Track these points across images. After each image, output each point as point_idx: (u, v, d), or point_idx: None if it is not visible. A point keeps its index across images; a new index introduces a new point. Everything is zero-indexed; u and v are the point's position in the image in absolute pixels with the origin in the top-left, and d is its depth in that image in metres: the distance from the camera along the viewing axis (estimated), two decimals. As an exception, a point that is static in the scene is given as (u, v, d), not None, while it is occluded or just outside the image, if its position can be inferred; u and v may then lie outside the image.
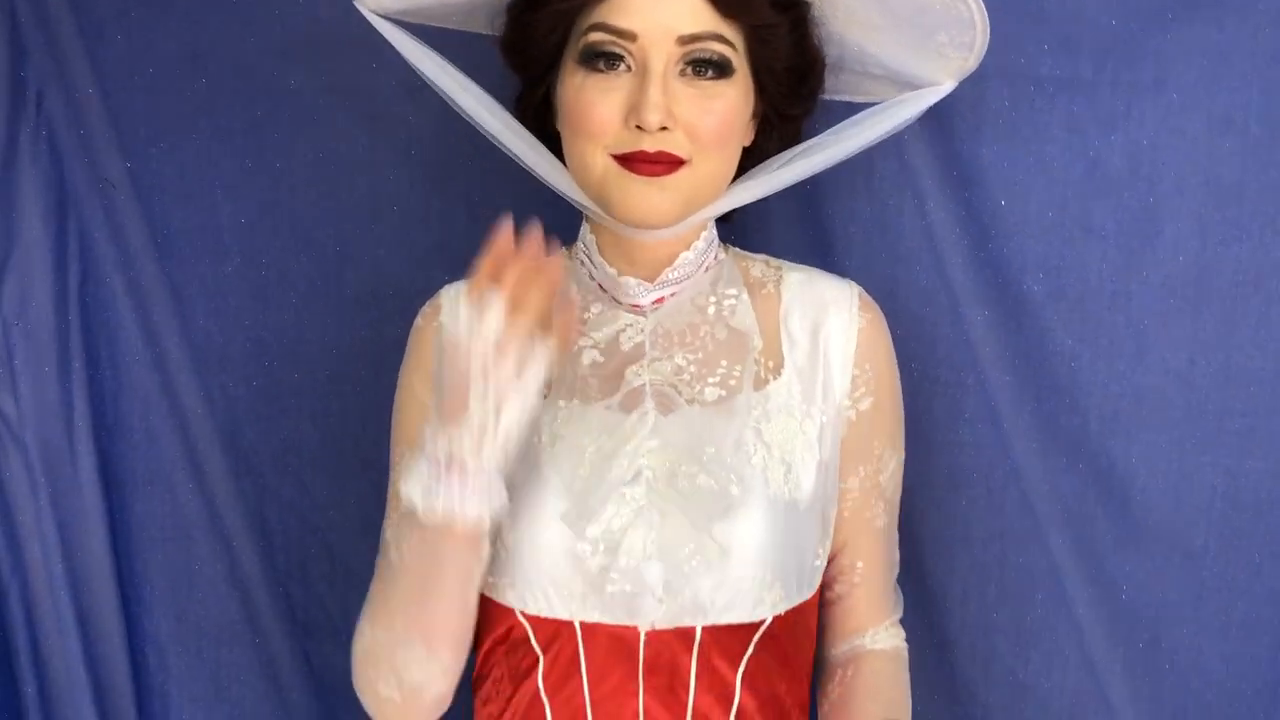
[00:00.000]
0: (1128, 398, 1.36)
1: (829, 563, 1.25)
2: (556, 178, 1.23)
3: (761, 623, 1.16)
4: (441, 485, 1.06)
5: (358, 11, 1.25)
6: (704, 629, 1.15)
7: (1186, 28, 1.31)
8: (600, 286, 1.24)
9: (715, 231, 1.26)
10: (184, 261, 1.50)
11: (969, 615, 1.42)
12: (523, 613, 1.16)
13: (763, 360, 1.22)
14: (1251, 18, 1.30)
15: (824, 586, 1.24)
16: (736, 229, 1.35)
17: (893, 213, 1.40)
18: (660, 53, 1.13)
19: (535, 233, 1.04)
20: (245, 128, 1.47)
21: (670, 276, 1.22)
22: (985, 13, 1.20)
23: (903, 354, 1.29)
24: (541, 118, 1.23)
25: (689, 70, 1.15)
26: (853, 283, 1.26)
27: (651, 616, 1.14)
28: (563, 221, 1.21)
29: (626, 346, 1.21)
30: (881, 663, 1.27)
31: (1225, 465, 1.35)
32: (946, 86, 1.26)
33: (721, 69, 1.15)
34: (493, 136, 1.25)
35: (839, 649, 1.28)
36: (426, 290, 1.27)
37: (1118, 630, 1.38)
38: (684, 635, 1.15)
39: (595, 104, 1.14)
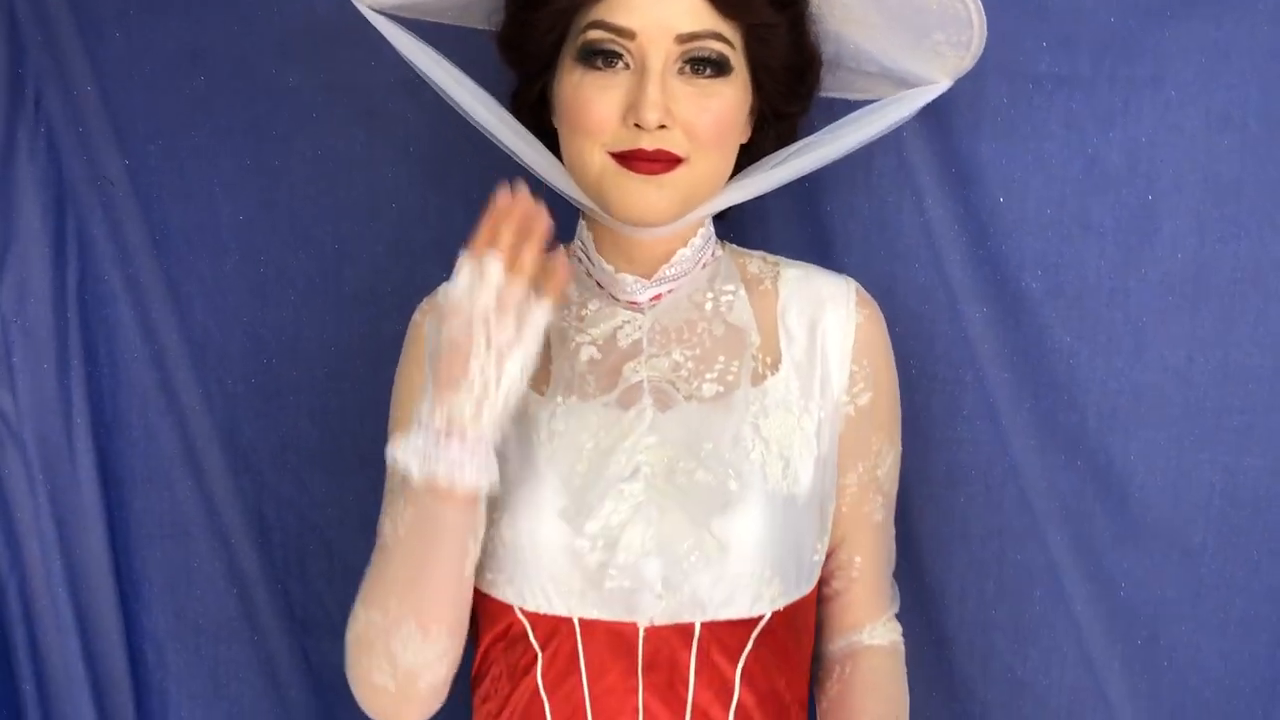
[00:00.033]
0: (1126, 395, 1.36)
1: (827, 558, 1.25)
2: (554, 175, 1.23)
3: (760, 618, 1.16)
4: (440, 450, 1.06)
5: (356, 10, 1.25)
6: (703, 625, 1.14)
7: (1185, 24, 1.31)
8: (598, 283, 1.24)
9: (712, 228, 1.26)
10: (182, 259, 1.50)
11: (967, 612, 1.42)
12: (521, 609, 1.16)
13: (760, 356, 1.21)
14: (1250, 14, 1.30)
15: (821, 582, 1.24)
16: (735, 226, 1.35)
17: (891, 209, 1.40)
18: (659, 51, 1.13)
19: (523, 190, 1.05)
20: (244, 125, 1.48)
21: (668, 273, 1.22)
22: (983, 12, 1.21)
23: (901, 351, 1.28)
24: (537, 114, 1.23)
25: (687, 69, 1.15)
26: (850, 279, 1.26)
27: (650, 612, 1.14)
28: (560, 219, 1.21)
29: (624, 343, 1.21)
30: (879, 659, 1.27)
31: (1223, 462, 1.35)
32: (943, 85, 1.26)
33: (720, 67, 1.15)
34: (489, 132, 1.25)
35: (836, 644, 1.28)
36: (425, 287, 1.27)
37: (1116, 627, 1.38)
38: (683, 631, 1.14)
39: (593, 102, 1.14)
